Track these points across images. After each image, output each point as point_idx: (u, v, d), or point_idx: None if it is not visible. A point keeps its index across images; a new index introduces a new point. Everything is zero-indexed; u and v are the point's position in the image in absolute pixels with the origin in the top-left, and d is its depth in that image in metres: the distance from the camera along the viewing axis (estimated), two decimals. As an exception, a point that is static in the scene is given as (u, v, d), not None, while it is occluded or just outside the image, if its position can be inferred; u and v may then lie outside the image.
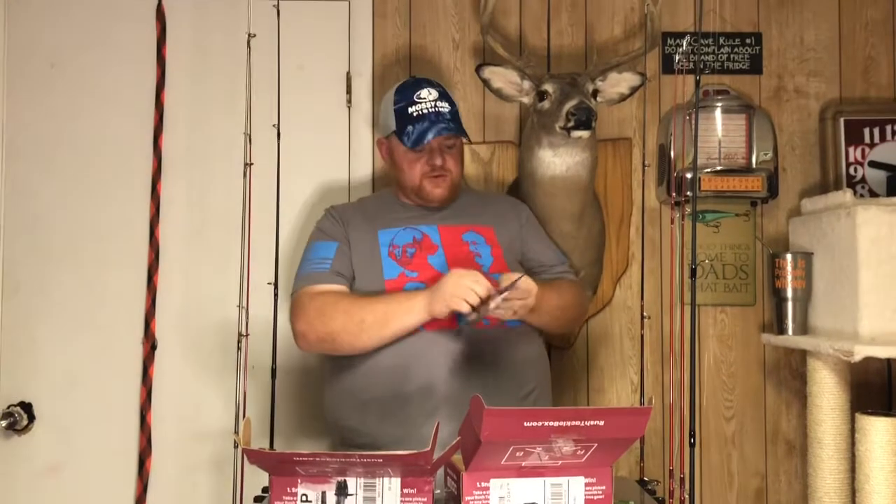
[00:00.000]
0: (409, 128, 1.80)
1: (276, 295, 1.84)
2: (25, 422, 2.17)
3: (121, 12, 2.28)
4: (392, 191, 1.96)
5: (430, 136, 1.79)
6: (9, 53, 2.25)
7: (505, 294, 1.57)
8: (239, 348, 1.79)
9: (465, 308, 1.57)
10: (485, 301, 1.57)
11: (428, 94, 1.83)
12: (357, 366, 1.71)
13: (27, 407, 2.19)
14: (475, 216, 1.90)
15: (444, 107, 1.83)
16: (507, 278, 1.61)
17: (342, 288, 1.74)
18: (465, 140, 1.88)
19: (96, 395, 2.21)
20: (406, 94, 1.85)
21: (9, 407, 2.18)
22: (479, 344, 1.69)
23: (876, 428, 1.82)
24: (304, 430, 2.22)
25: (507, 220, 1.93)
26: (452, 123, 1.82)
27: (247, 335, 1.81)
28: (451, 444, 1.26)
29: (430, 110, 1.81)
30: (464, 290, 1.57)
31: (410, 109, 1.82)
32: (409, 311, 1.63)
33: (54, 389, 2.20)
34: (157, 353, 2.22)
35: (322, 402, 1.85)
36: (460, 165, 1.89)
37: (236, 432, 1.83)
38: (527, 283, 1.62)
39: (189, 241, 2.25)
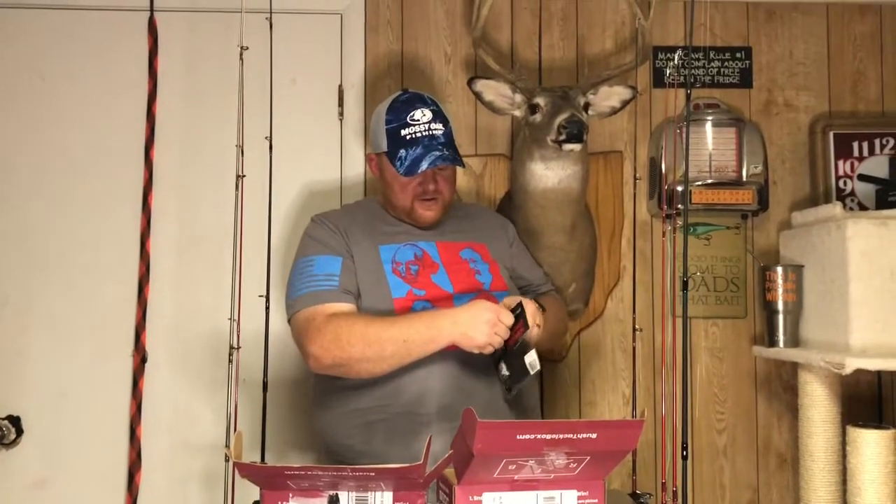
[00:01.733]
0: (402, 152, 1.75)
1: (267, 308, 1.83)
2: (14, 435, 2.16)
3: (112, 25, 2.28)
4: (378, 202, 1.93)
5: (424, 165, 1.73)
6: None
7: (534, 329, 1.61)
8: (230, 361, 1.78)
9: (491, 350, 1.61)
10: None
11: (422, 116, 1.77)
12: (360, 385, 1.68)
13: (15, 420, 2.17)
14: (468, 232, 1.89)
15: (438, 129, 1.77)
16: (509, 303, 1.63)
17: (351, 307, 1.70)
18: (460, 166, 1.82)
19: (85, 408, 2.19)
20: (398, 114, 1.79)
21: (-3, 420, 2.16)
22: (478, 363, 1.68)
23: (867, 440, 1.83)
24: (295, 444, 2.21)
25: (497, 237, 1.93)
26: (447, 150, 1.76)
27: (238, 348, 1.79)
28: (443, 458, 1.25)
29: (424, 134, 1.76)
30: (499, 331, 1.59)
31: (403, 132, 1.76)
32: (432, 341, 1.60)
33: (43, 403, 2.19)
34: (147, 366, 2.21)
35: (313, 421, 1.83)
36: (452, 185, 1.86)
37: (227, 446, 1.82)
38: (532, 308, 1.63)
39: (180, 254, 2.25)
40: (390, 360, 1.61)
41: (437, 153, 1.74)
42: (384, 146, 1.80)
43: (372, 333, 1.61)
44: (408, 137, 1.76)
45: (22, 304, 2.21)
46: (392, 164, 1.77)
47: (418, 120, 1.77)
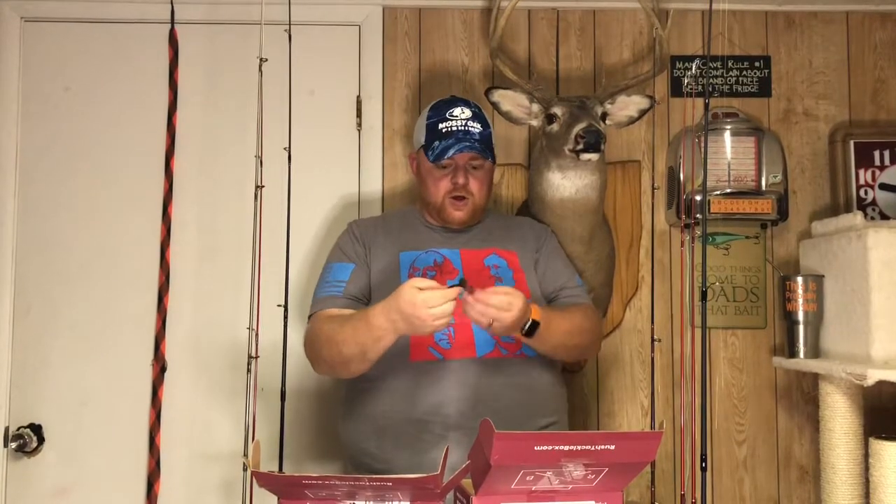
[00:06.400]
0: (436, 143, 1.82)
1: (286, 317, 1.84)
2: (35, 444, 2.18)
3: (134, 37, 2.31)
4: (417, 208, 1.97)
5: (451, 151, 1.79)
6: (24, 77, 2.28)
7: (475, 296, 1.52)
8: (248, 370, 1.80)
9: (445, 325, 1.52)
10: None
11: (461, 113, 1.85)
12: (376, 390, 1.72)
13: (37, 429, 2.19)
14: (499, 240, 1.89)
15: (475, 127, 1.83)
16: (491, 291, 1.55)
17: (349, 314, 1.73)
18: (491, 162, 1.87)
19: (106, 417, 2.21)
20: (440, 110, 1.87)
21: (18, 429, 2.18)
22: (496, 373, 1.69)
23: (890, 453, 1.80)
24: (313, 453, 2.22)
25: (528, 242, 1.93)
26: (479, 144, 1.81)
27: (256, 357, 1.81)
28: (460, 468, 1.25)
29: (460, 128, 1.82)
30: (434, 313, 1.49)
31: (441, 125, 1.84)
32: (379, 339, 1.58)
33: (64, 411, 2.21)
34: (166, 375, 2.22)
35: (337, 423, 1.86)
36: (486, 189, 1.88)
37: (245, 455, 1.83)
38: (498, 292, 1.54)
39: (199, 264, 2.26)
40: (354, 361, 1.64)
41: (467, 143, 1.80)
42: (422, 140, 1.86)
43: (333, 338, 1.66)
44: (443, 130, 1.83)
45: (44, 313, 2.24)
46: (426, 156, 1.83)
47: (457, 116, 1.84)
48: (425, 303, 1.49)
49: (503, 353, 1.71)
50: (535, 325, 1.60)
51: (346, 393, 1.81)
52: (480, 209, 1.89)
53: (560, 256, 1.97)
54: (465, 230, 1.90)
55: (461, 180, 1.83)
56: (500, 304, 1.53)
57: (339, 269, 1.82)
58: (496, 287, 1.58)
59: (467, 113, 1.85)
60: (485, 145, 1.83)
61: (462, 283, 1.53)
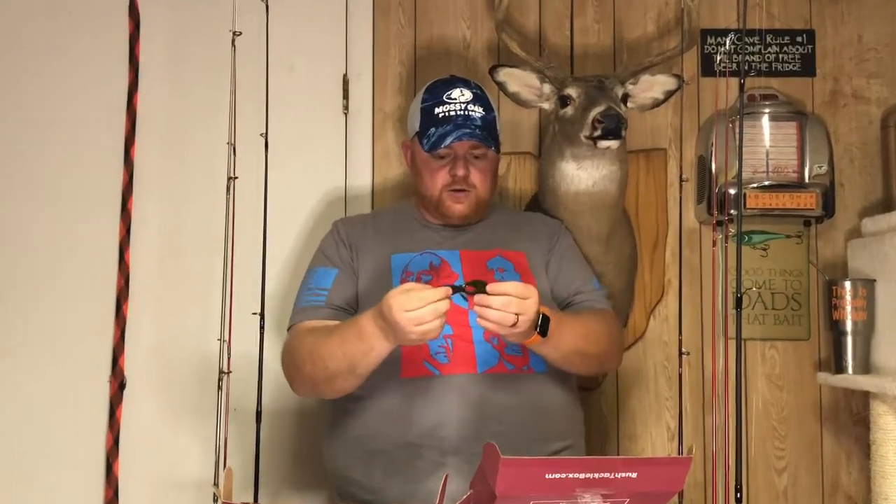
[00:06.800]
0: (432, 130, 1.82)
1: (262, 327, 1.85)
2: (-25, 471, 2.18)
3: (88, 6, 2.31)
4: (413, 204, 1.98)
5: (448, 140, 1.79)
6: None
7: (491, 287, 1.51)
8: (219, 388, 1.80)
9: (438, 333, 1.52)
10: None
11: (460, 95, 1.85)
12: (363, 410, 1.71)
13: (-24, 454, 2.20)
14: (505, 239, 1.90)
15: (477, 111, 1.84)
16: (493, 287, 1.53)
17: (333, 323, 1.74)
18: (494, 151, 1.87)
19: (57, 440, 2.21)
20: (436, 92, 1.87)
21: (-44, 454, 2.18)
22: (500, 391, 1.68)
23: (951, 482, 1.81)
24: (292, 482, 2.22)
25: (539, 241, 1.93)
26: (480, 131, 1.81)
27: (228, 373, 1.81)
28: (461, 499, 1.25)
29: (459, 113, 1.82)
30: (419, 318, 1.48)
31: (437, 110, 1.84)
32: (371, 350, 1.58)
33: (11, 433, 2.20)
34: (125, 392, 2.22)
35: (321, 448, 1.86)
36: (489, 181, 1.89)
37: (216, 484, 1.83)
38: (502, 288, 1.52)
39: (163, 266, 2.27)
40: (339, 377, 1.64)
41: (467, 130, 1.80)
42: (417, 126, 1.87)
43: (315, 352, 1.67)
44: (440, 115, 1.83)
45: (-13, 323, 2.24)
46: (420, 145, 1.83)
47: (455, 99, 1.85)
48: (401, 306, 1.48)
49: (508, 369, 1.71)
50: (546, 319, 1.58)
51: (331, 413, 1.81)
52: (483, 203, 1.89)
53: (575, 256, 1.97)
54: (467, 228, 1.90)
55: (461, 172, 1.83)
56: (520, 292, 1.52)
57: (321, 275, 1.83)
58: (495, 284, 1.55)
59: (467, 95, 1.85)
60: (487, 132, 1.83)
61: (463, 288, 1.53)
